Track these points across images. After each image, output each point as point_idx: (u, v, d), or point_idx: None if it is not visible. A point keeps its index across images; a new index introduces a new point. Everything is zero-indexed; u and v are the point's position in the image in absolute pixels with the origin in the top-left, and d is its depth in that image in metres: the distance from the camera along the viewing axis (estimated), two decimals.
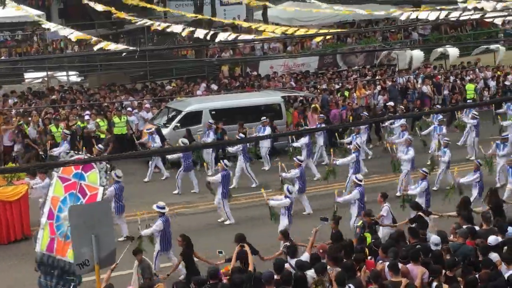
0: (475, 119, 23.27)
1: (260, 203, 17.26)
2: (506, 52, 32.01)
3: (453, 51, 29.50)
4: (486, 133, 23.61)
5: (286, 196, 15.49)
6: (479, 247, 11.80)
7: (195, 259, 13.45)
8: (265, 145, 22.78)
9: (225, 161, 18.34)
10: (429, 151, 21.69)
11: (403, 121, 22.47)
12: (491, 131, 23.90)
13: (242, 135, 21.99)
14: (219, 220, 17.94)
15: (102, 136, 23.20)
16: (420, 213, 14.02)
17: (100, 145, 20.85)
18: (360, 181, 16.17)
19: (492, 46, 31.18)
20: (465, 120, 23.89)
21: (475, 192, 17.45)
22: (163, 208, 14.41)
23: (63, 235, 11.54)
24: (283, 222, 15.40)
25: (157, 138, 21.81)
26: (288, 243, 12.73)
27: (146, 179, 21.71)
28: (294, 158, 18.88)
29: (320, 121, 23.55)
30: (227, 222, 17.84)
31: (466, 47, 33.21)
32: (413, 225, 13.36)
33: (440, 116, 23.09)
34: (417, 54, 28.76)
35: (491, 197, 15.08)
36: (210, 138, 21.84)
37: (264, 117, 22.80)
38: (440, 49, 30.62)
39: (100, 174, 11.65)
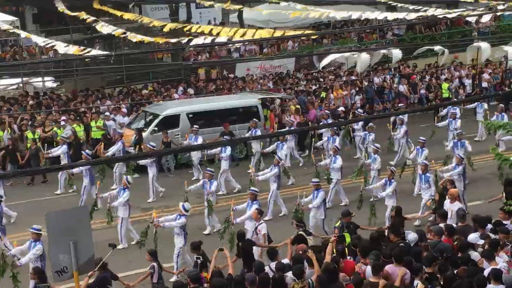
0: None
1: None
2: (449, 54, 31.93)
3: (396, 53, 29.31)
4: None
5: (180, 215, 14.76)
6: (459, 244, 11.88)
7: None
8: (195, 155, 21.86)
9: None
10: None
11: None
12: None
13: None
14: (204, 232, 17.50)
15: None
16: (301, 232, 13.59)
17: (87, 151, 20.55)
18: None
19: (436, 48, 31.10)
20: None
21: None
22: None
23: None
24: (179, 241, 14.73)
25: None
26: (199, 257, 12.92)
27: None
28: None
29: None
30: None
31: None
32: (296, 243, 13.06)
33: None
34: (364, 58, 28.50)
35: (394, 217, 14.72)
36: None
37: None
38: (382, 51, 30.46)
39: None
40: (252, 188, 16.06)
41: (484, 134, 25.28)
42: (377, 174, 19.07)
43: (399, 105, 29.79)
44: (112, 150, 21.22)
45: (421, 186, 17.46)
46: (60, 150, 21.13)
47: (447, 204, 14.78)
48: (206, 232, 17.35)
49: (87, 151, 20.49)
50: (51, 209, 12.41)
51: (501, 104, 24.95)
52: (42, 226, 12.44)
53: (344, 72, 31.32)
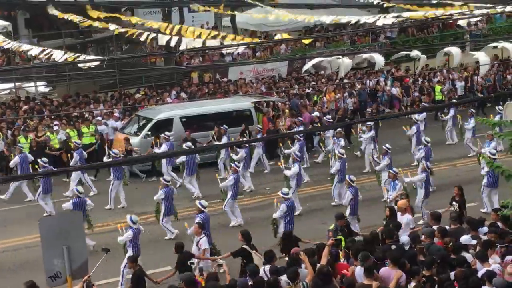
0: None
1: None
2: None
3: (379, 58, 29.17)
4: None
5: (130, 227, 14.61)
6: (453, 246, 11.89)
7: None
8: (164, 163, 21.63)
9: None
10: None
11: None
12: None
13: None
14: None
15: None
16: (245, 246, 13.42)
17: (43, 158, 19.89)
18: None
19: (413, 53, 31.04)
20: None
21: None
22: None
23: None
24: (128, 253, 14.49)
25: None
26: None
27: None
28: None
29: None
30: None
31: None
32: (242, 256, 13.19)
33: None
34: (346, 62, 28.33)
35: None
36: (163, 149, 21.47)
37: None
38: (365, 56, 30.29)
39: None
40: (200, 201, 15.74)
41: (455, 138, 25.70)
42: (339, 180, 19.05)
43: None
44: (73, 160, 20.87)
45: (390, 193, 17.23)
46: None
47: (398, 217, 14.67)
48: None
49: (43, 158, 19.83)
50: None
51: (471, 110, 25.22)
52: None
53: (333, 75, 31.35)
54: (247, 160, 21.60)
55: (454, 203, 16.14)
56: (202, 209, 15.22)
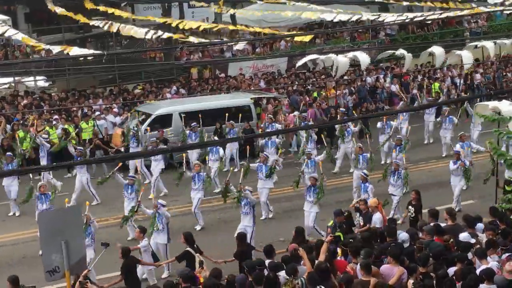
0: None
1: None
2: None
3: (364, 58, 28.74)
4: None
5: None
6: (458, 245, 11.90)
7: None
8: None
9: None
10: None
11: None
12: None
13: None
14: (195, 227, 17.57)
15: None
16: (189, 248, 13.26)
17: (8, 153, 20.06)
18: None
19: (398, 52, 30.71)
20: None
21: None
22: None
23: None
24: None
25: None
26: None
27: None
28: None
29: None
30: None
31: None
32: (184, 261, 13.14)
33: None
34: (343, 61, 28.05)
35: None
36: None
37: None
38: (350, 56, 29.59)
39: None
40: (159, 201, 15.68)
41: (431, 137, 25.55)
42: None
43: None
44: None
45: (362, 195, 17.02)
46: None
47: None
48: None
49: (8, 153, 19.95)
50: None
51: (445, 108, 24.47)
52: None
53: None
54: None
55: (410, 207, 15.81)
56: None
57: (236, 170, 19.93)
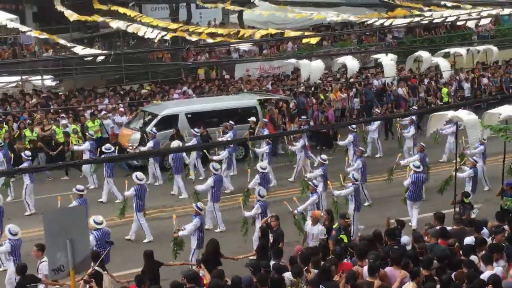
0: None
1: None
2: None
3: (353, 64, 28.16)
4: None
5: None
6: (463, 248, 11.87)
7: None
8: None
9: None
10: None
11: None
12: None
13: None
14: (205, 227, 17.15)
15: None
16: (96, 267, 12.46)
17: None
18: None
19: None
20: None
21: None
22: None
23: None
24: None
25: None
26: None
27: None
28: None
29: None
30: (217, 230, 17.69)
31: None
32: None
33: None
34: (317, 66, 26.88)
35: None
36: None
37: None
38: (340, 61, 29.07)
39: None
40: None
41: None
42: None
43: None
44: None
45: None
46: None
47: (308, 227, 14.49)
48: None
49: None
50: None
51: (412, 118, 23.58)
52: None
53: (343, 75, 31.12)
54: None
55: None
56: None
57: (200, 178, 20.64)
